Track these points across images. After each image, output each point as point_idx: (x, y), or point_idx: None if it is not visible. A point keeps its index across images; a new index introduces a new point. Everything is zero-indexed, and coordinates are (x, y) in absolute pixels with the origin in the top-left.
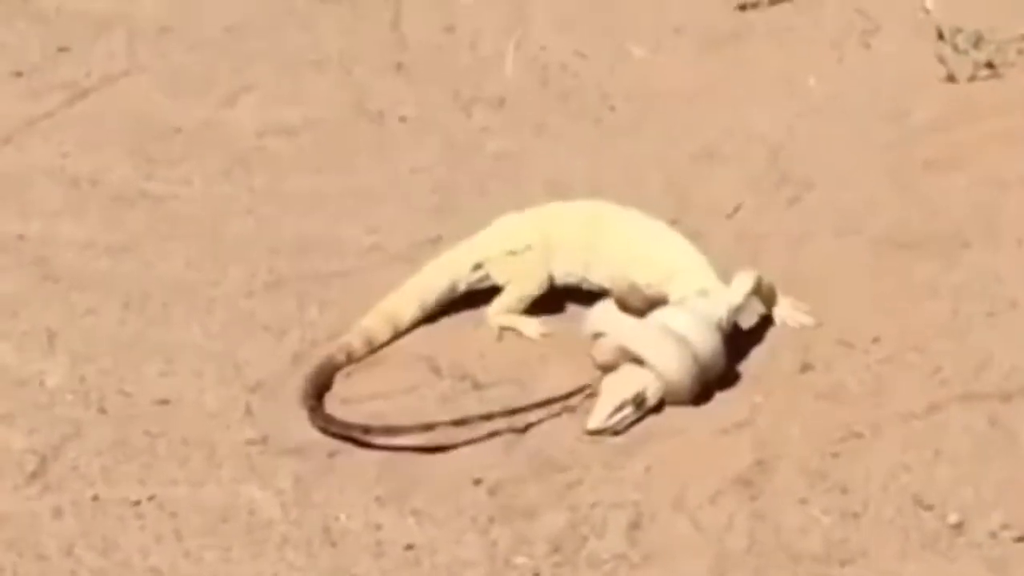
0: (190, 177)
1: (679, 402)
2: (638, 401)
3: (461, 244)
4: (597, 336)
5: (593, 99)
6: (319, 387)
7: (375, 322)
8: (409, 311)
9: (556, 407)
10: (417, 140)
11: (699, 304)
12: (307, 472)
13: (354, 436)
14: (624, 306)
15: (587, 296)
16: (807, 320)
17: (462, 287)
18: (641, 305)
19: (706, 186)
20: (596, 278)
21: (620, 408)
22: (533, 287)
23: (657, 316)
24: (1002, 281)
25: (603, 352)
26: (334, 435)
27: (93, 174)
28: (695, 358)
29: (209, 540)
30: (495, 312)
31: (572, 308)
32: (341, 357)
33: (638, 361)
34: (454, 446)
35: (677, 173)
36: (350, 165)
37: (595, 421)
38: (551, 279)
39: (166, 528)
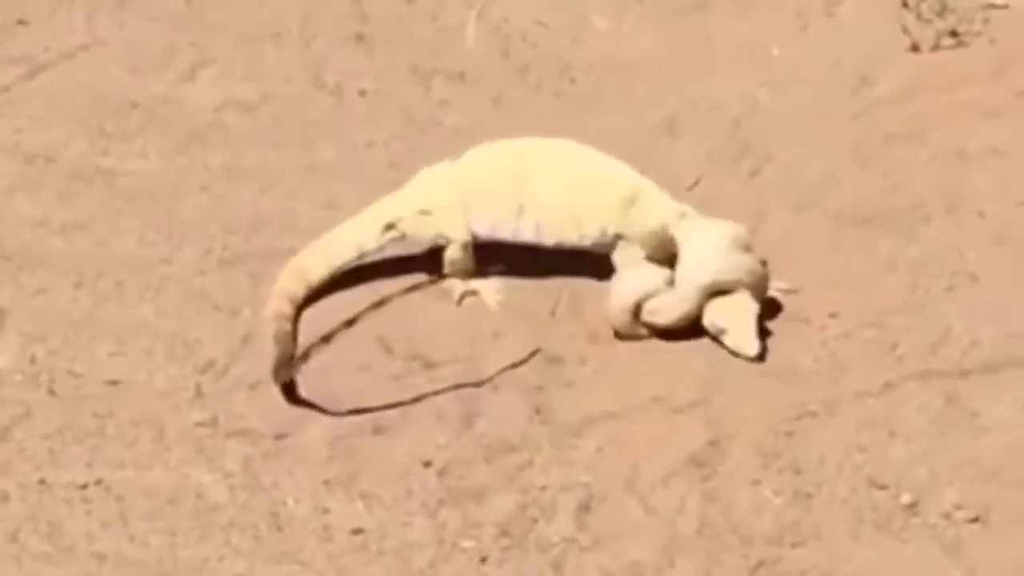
0: (146, 153)
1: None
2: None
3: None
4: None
5: (554, 71)
6: (289, 353)
7: (289, 281)
8: (318, 271)
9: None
10: (375, 114)
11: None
12: (256, 455)
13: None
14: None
15: (542, 258)
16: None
17: (371, 246)
18: (668, 248)
19: (666, 159)
20: (529, 226)
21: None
22: (460, 237)
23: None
24: (962, 255)
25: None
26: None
27: (48, 150)
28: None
29: (155, 524)
30: (450, 276)
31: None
32: (287, 325)
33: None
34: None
35: (637, 145)
36: (308, 140)
37: (755, 346)
38: (477, 240)
39: (112, 512)
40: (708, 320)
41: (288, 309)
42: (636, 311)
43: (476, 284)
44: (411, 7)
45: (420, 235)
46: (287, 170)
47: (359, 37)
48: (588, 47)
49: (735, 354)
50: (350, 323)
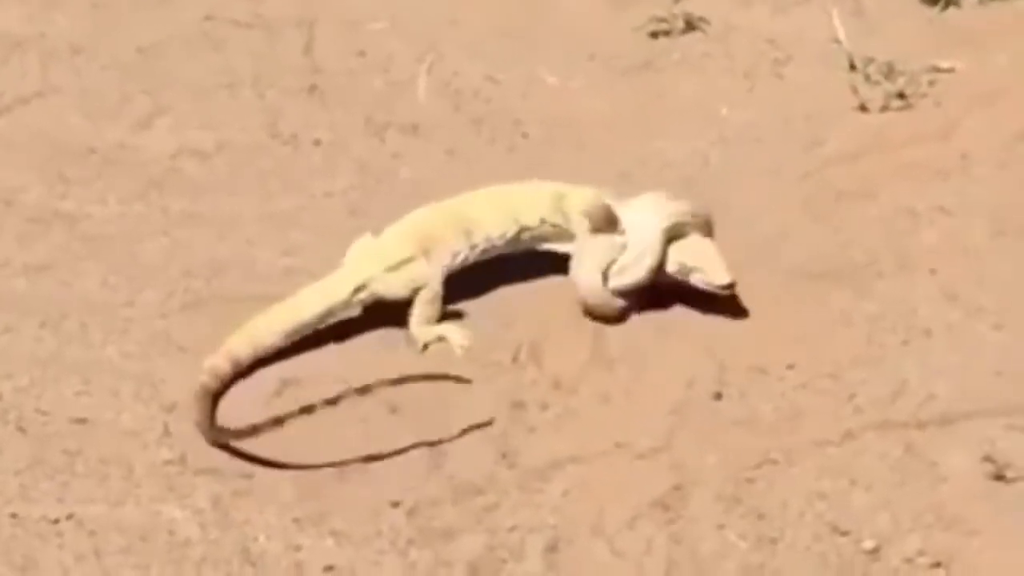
0: (105, 197)
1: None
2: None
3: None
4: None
5: (506, 125)
6: (206, 415)
7: (238, 343)
8: (272, 337)
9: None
10: (331, 164)
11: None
12: (225, 492)
13: (248, 436)
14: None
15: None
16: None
17: (341, 313)
18: (611, 217)
19: None
20: (481, 238)
21: None
22: (432, 281)
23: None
24: (915, 310)
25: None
26: (230, 448)
27: (8, 194)
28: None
29: (128, 559)
30: (416, 325)
31: (496, 318)
32: (213, 384)
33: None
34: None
35: None
36: (264, 188)
37: (727, 275)
38: (445, 271)
39: (85, 547)
40: (674, 264)
41: (226, 369)
42: (603, 280)
43: (442, 330)
44: (362, 60)
45: (392, 292)
46: (245, 217)
47: (312, 88)
48: (539, 103)
49: (708, 289)
50: (279, 422)
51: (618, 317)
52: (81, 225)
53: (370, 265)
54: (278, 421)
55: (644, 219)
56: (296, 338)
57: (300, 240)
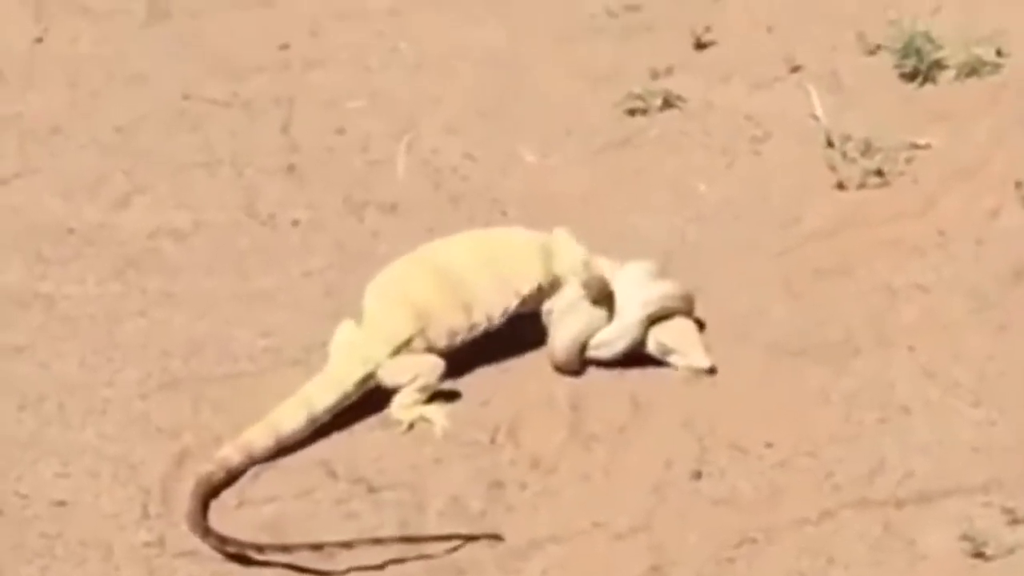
0: (83, 277)
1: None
2: None
3: (336, 358)
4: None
5: (484, 203)
6: (203, 507)
7: (258, 434)
8: (293, 424)
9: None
10: (309, 244)
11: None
12: (204, 575)
13: (248, 553)
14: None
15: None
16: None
17: (354, 398)
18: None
19: None
20: (482, 317)
21: None
22: (433, 377)
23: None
24: (893, 388)
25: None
26: (228, 554)
27: None
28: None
29: None
30: (400, 407)
31: (473, 397)
32: (220, 474)
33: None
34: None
35: None
36: (242, 268)
37: (706, 359)
38: (444, 351)
39: None
40: (654, 344)
41: (235, 462)
42: (581, 349)
43: (425, 411)
44: (341, 139)
45: (395, 381)
46: (223, 297)
47: (290, 168)
48: (518, 180)
49: (688, 371)
50: (261, 550)
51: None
52: (59, 306)
53: (375, 349)
54: (260, 549)
55: (628, 296)
56: (312, 429)
57: (278, 320)
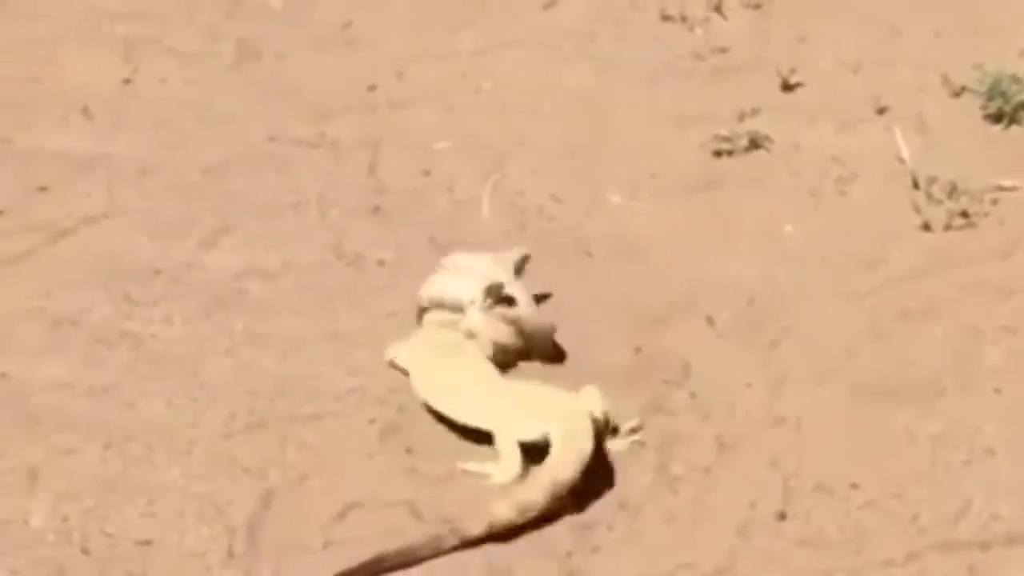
0: (170, 317)
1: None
2: None
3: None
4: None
5: (569, 243)
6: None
7: (502, 509)
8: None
9: None
10: (394, 284)
11: None
12: None
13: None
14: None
15: None
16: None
17: None
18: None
19: (680, 329)
20: None
21: None
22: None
23: None
24: (979, 429)
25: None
26: None
27: (74, 314)
28: None
29: None
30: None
31: None
32: (453, 539)
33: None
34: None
35: (653, 316)
36: (328, 308)
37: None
38: None
39: None
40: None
41: (471, 534)
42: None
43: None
44: (427, 180)
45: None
46: (309, 337)
47: (376, 209)
48: (603, 221)
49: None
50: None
51: None
52: (146, 345)
53: (552, 414)
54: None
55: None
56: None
57: (363, 359)
